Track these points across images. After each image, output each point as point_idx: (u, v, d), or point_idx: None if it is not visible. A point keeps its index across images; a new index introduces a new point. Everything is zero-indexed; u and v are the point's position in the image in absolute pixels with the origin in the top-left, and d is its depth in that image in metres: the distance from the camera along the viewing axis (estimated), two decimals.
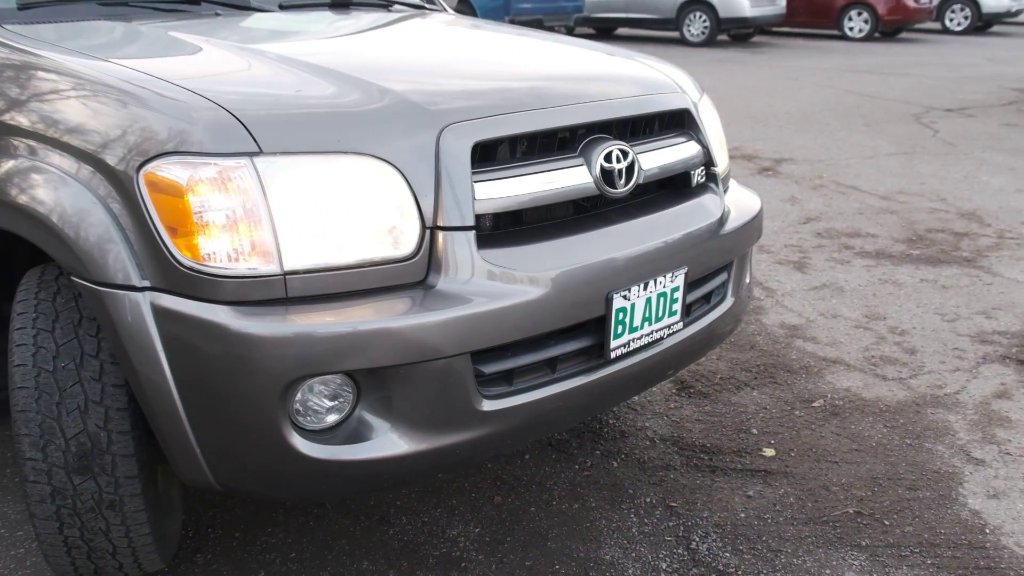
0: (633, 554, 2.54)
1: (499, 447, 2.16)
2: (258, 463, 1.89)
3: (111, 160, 1.90)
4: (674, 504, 2.77)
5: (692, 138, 2.54)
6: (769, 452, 3.05)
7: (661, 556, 2.53)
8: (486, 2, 15.64)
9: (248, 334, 1.78)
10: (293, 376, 1.80)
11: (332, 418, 1.90)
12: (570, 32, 18.21)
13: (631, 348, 2.23)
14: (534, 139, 2.14)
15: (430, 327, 1.87)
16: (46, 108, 2.12)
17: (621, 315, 2.18)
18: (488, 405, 1.99)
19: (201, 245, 1.80)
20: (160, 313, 1.84)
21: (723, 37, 17.91)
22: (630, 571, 2.47)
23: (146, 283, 1.86)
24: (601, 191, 2.19)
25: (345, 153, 1.88)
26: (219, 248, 1.80)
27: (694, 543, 2.59)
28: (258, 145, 1.82)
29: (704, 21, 16.80)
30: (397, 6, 3.38)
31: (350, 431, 1.91)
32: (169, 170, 1.82)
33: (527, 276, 1.99)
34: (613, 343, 2.18)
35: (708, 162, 2.58)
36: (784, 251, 5.08)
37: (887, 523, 2.66)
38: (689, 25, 16.99)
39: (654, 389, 3.50)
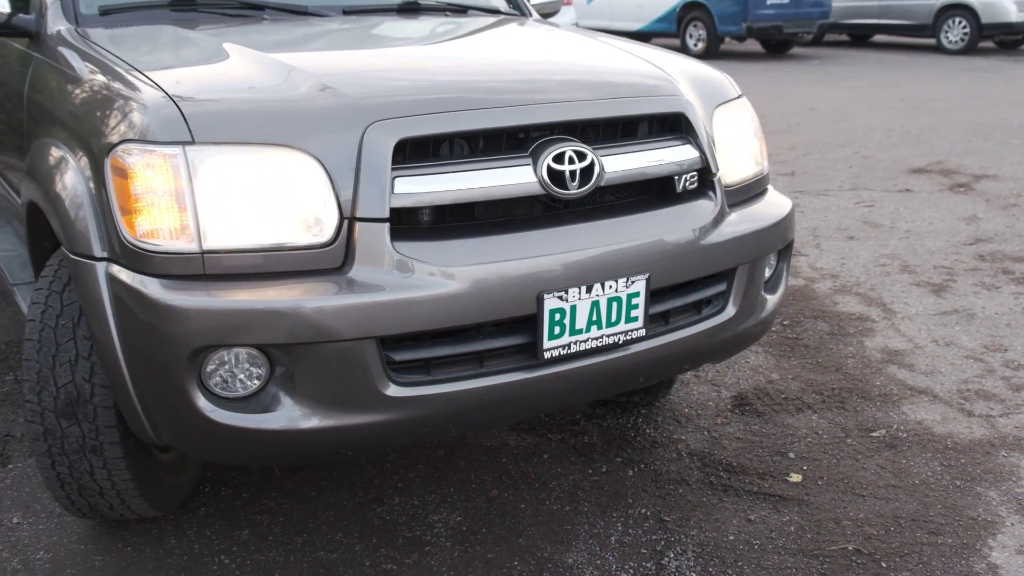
0: (598, 560, 2.51)
1: (414, 433, 2.22)
2: (175, 423, 2.08)
3: (95, 147, 2.16)
4: (667, 519, 2.70)
5: (688, 142, 2.47)
6: (795, 478, 2.88)
7: (626, 567, 2.48)
8: (723, 8, 15.31)
9: (163, 304, 1.97)
10: (197, 344, 1.96)
11: (247, 389, 2.05)
12: (816, 41, 17.42)
13: (573, 351, 2.22)
14: (477, 137, 2.18)
15: (328, 310, 1.98)
16: (68, 101, 2.44)
17: (558, 316, 2.17)
18: (395, 391, 2.06)
19: (138, 223, 2.01)
20: (111, 281, 2.07)
21: (987, 44, 16.45)
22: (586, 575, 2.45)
23: (104, 254, 2.10)
24: (548, 192, 2.19)
25: (270, 145, 2.03)
26: (151, 226, 2.00)
27: (667, 559, 2.52)
28: (192, 136, 2.01)
29: (964, 27, 15.51)
30: (472, 11, 3.47)
31: (262, 403, 2.05)
32: (124, 156, 2.04)
33: (440, 270, 2.04)
34: (548, 343, 2.17)
35: (705, 168, 2.49)
36: (930, 272, 4.68)
37: (884, 565, 2.45)
38: (947, 32, 15.75)
39: (708, 403, 3.39)
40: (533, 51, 2.90)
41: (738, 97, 2.77)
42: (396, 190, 2.05)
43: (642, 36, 18.23)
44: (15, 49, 3.05)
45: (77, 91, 2.43)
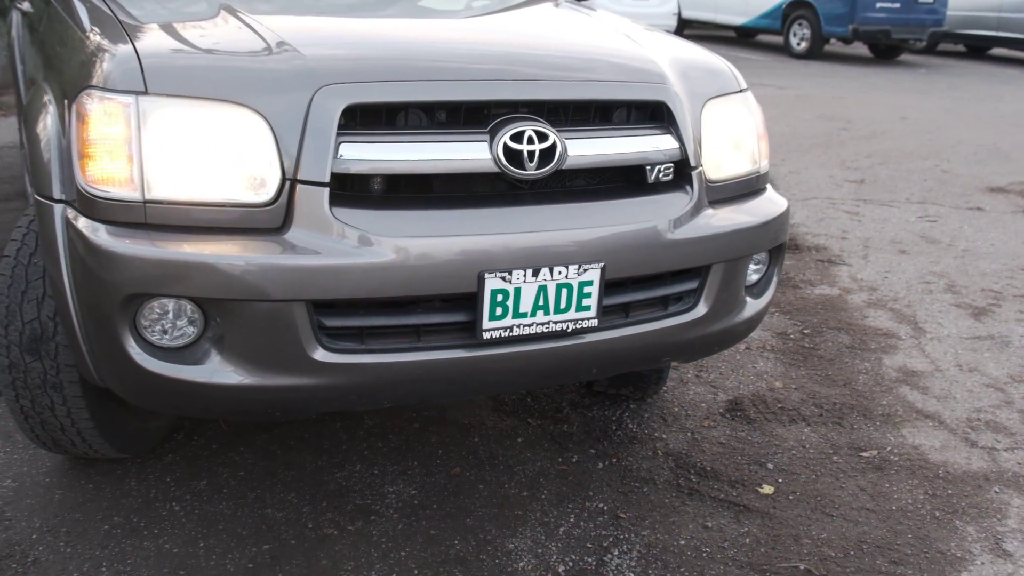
0: (539, 549, 2.47)
1: (343, 401, 2.21)
2: (111, 367, 2.12)
3: (67, 92, 2.21)
4: (623, 516, 2.64)
5: (668, 132, 2.39)
6: (767, 489, 2.78)
7: (567, 559, 2.44)
8: (830, 8, 14.82)
9: (103, 249, 2.00)
10: (129, 291, 1.99)
11: (181, 340, 2.08)
12: (929, 49, 16.71)
13: (516, 334, 2.17)
14: (434, 110, 2.16)
15: (257, 269, 1.98)
16: (59, 47, 2.50)
17: (500, 297, 2.13)
18: (323, 356, 2.05)
19: (89, 169, 2.04)
20: (65, 224, 2.12)
21: None
22: (522, 564, 2.41)
23: (62, 197, 2.15)
24: (502, 170, 2.14)
25: (220, 101, 2.04)
26: (101, 172, 2.03)
27: (609, 556, 2.46)
28: (146, 87, 2.03)
29: None
30: None
31: (194, 356, 2.07)
32: (85, 102, 2.07)
33: (376, 239, 2.02)
34: (488, 323, 2.14)
35: (683, 160, 2.40)
36: (975, 295, 4.46)
37: None
38: None
39: (701, 404, 3.30)
40: (525, 30, 2.85)
41: (740, 91, 2.67)
42: (340, 155, 2.03)
43: (746, 31, 17.84)
44: (39, 3, 3.14)
45: (69, 38, 2.49)
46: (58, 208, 2.14)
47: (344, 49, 2.28)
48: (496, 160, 2.14)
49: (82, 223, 2.05)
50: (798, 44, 15.44)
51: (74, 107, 2.11)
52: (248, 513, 2.56)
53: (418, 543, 2.47)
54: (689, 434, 3.10)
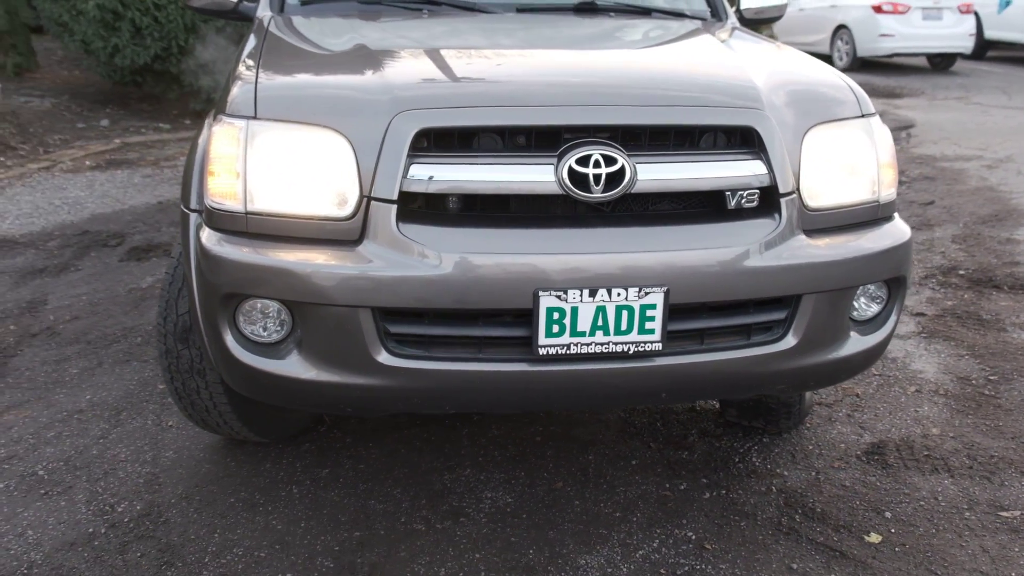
0: (609, 568, 2.50)
1: (407, 403, 2.36)
2: (216, 355, 2.41)
3: (213, 116, 2.57)
4: (708, 547, 2.59)
5: (758, 158, 2.34)
6: (873, 538, 2.62)
7: None
8: None
9: (210, 253, 2.30)
10: (225, 291, 2.28)
11: (271, 337, 2.33)
12: None
13: (574, 352, 2.23)
14: (507, 133, 2.26)
15: (329, 277, 2.19)
16: (225, 77, 2.88)
17: (556, 315, 2.20)
18: (387, 359, 2.23)
19: (210, 183, 2.36)
20: (196, 230, 2.46)
21: None
22: None
23: (196, 208, 2.49)
24: (567, 192, 2.22)
25: (311, 124, 2.27)
26: (217, 187, 2.34)
27: None
28: (256, 112, 2.32)
29: None
30: (656, 15, 3.46)
31: (279, 352, 2.32)
32: (215, 126, 2.41)
33: (435, 253, 2.17)
34: (544, 340, 2.21)
35: (772, 186, 2.34)
36: None
37: None
38: None
39: (839, 444, 3.14)
40: (638, 54, 2.87)
41: (860, 117, 2.54)
42: (409, 175, 2.20)
43: None
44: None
45: (231, 68, 2.85)
46: (192, 217, 2.49)
47: (428, 77, 2.45)
48: (560, 182, 2.21)
49: (204, 230, 2.37)
50: None
51: (210, 129, 2.45)
52: (353, 502, 2.78)
53: (495, 548, 2.58)
54: (813, 473, 2.96)
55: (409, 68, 2.52)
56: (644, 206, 2.36)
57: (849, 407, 3.42)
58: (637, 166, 2.25)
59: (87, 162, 7.63)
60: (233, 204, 2.30)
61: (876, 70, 15.19)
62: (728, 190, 2.33)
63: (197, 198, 2.49)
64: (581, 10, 3.40)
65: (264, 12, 3.29)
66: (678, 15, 3.50)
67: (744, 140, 2.37)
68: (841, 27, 15.71)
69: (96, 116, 9.15)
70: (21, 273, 4.96)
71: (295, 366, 2.30)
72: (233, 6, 3.41)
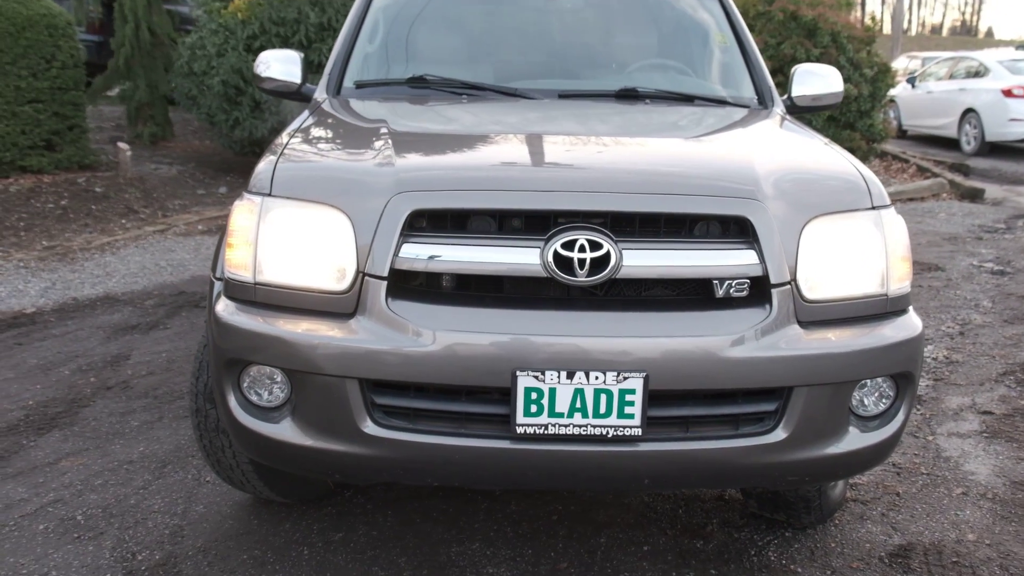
0: None
1: (391, 473, 2.42)
2: (223, 415, 2.54)
3: None
4: None
5: (751, 247, 2.35)
6: None
7: None
8: None
9: (220, 319, 2.46)
10: (229, 356, 2.42)
11: (271, 402, 2.45)
12: None
13: (552, 433, 2.26)
14: (498, 216, 2.34)
15: (318, 347, 2.30)
16: None
17: (534, 395, 2.24)
18: (372, 429, 2.31)
19: (228, 254, 2.53)
20: (215, 297, 2.62)
21: None
22: None
23: (220, 276, 2.66)
24: (552, 276, 2.27)
25: (316, 202, 2.42)
26: (232, 257, 2.50)
27: None
28: (271, 190, 2.48)
29: None
30: (699, 102, 3.49)
31: (275, 416, 2.44)
32: (237, 201, 2.58)
33: (418, 330, 2.26)
34: (522, 419, 2.25)
35: (764, 276, 2.34)
36: None
37: None
38: None
39: (864, 544, 3.02)
40: (650, 142, 2.93)
41: (870, 208, 2.51)
42: (401, 253, 2.30)
43: None
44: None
45: (273, 145, 3.04)
46: (217, 285, 2.65)
47: (431, 160, 2.57)
48: (545, 265, 2.27)
49: (221, 299, 2.53)
50: None
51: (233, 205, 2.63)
52: (358, 567, 2.85)
53: None
54: (828, 573, 2.86)
55: (418, 151, 2.65)
56: (638, 291, 2.39)
57: (886, 505, 3.29)
58: (624, 252, 2.29)
59: (199, 226, 8.10)
60: (245, 275, 2.45)
61: (1004, 155, 14.64)
62: (717, 279, 2.34)
63: (221, 268, 2.66)
64: (623, 97, 3.46)
65: (321, 94, 3.50)
66: (721, 102, 3.52)
67: (738, 230, 2.38)
68: (969, 111, 15.26)
69: (216, 183, 9.71)
70: (115, 329, 5.31)
71: (288, 431, 2.41)
72: (297, 88, 3.64)
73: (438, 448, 2.32)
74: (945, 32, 70.37)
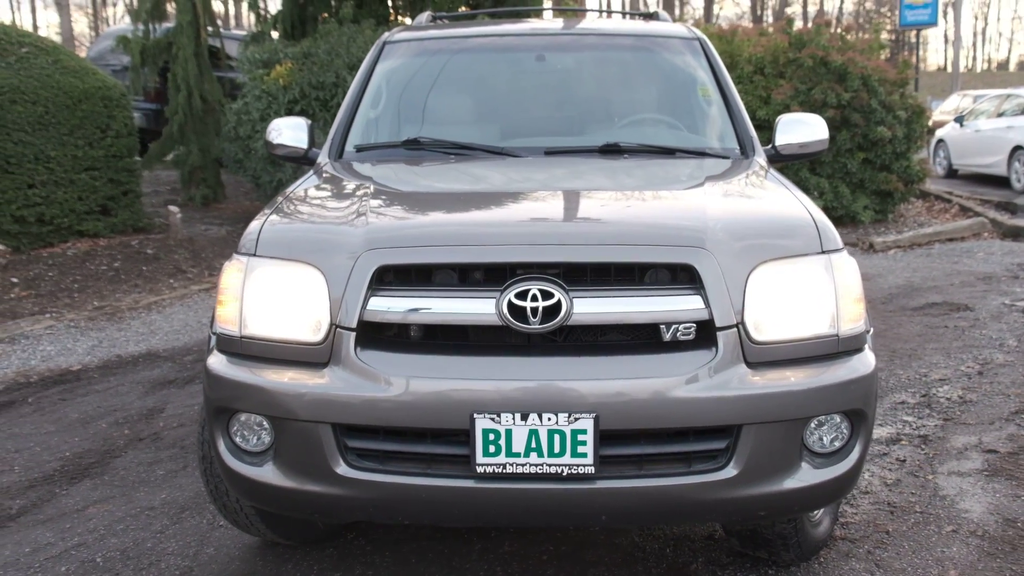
0: None
1: (365, 512, 2.58)
2: (216, 459, 2.73)
3: None
4: None
5: (697, 293, 2.48)
6: None
7: None
8: None
9: (210, 371, 2.67)
10: (217, 404, 2.63)
11: (256, 446, 2.64)
12: None
13: (510, 472, 2.41)
14: (457, 270, 2.52)
15: (291, 395, 2.50)
16: None
17: (492, 436, 2.39)
18: (344, 471, 2.48)
19: (219, 310, 2.74)
20: (209, 352, 2.83)
21: None
22: None
23: (213, 332, 2.87)
24: (506, 324, 2.43)
25: (294, 261, 2.62)
26: (222, 313, 2.72)
27: None
28: (256, 250, 2.69)
29: None
30: (680, 155, 3.63)
31: (260, 460, 2.62)
32: (228, 261, 2.80)
33: (384, 376, 2.43)
34: (482, 459, 2.41)
35: (709, 320, 2.47)
36: None
37: None
38: None
39: None
40: (610, 196, 3.09)
41: (820, 253, 2.63)
42: (369, 306, 2.49)
43: None
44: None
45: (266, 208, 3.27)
46: (213, 339, 2.87)
47: (400, 218, 2.77)
48: (500, 314, 2.43)
49: (213, 353, 2.74)
50: None
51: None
52: None
53: None
54: None
55: (390, 210, 2.85)
56: (592, 336, 2.53)
57: (873, 543, 3.34)
58: (575, 300, 2.44)
59: None
60: (232, 329, 2.66)
61: None
62: (664, 323, 2.48)
63: (212, 324, 2.87)
64: (606, 152, 3.62)
65: (323, 158, 3.74)
66: (701, 154, 3.66)
67: (686, 276, 2.52)
68: (1018, 148, 15.05)
69: None
70: (153, 384, 5.59)
71: (270, 473, 2.59)
72: (303, 153, 3.88)
73: (406, 488, 2.48)
74: (1012, 67, 69.28)
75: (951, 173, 16.87)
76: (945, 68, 53.87)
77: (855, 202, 10.35)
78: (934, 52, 69.44)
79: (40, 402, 5.28)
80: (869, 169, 10.37)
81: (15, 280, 7.95)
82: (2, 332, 6.70)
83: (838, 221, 10.46)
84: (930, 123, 15.77)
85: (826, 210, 10.20)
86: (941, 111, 22.69)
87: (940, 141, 17.33)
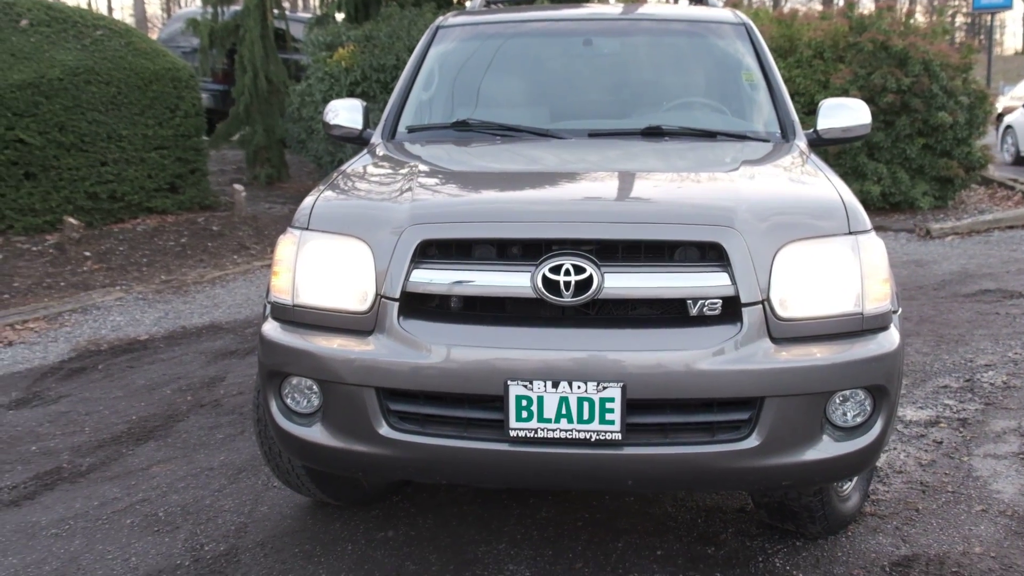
0: None
1: (404, 471, 2.75)
2: (267, 421, 2.92)
3: None
4: None
5: (724, 270, 2.59)
6: None
7: None
8: None
9: (264, 337, 2.85)
10: (269, 368, 2.81)
11: (306, 408, 2.82)
12: None
13: (542, 436, 2.55)
14: (496, 244, 2.66)
15: (340, 360, 2.67)
16: None
17: (524, 402, 2.54)
18: (387, 432, 2.65)
19: (273, 281, 2.93)
20: (264, 320, 3.02)
21: None
22: None
23: (268, 300, 3.06)
24: (540, 297, 2.57)
25: (345, 235, 2.79)
26: (276, 284, 2.90)
27: None
28: (309, 224, 2.87)
29: None
30: (721, 138, 3.72)
31: (308, 420, 2.80)
32: (283, 234, 2.98)
33: (425, 344, 2.59)
34: (515, 423, 2.55)
35: (735, 296, 2.57)
36: None
37: None
38: None
39: (870, 554, 3.17)
40: (648, 177, 3.18)
41: (847, 234, 2.71)
42: (412, 278, 2.65)
43: None
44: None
45: (320, 184, 3.44)
46: (267, 307, 3.05)
47: (445, 195, 2.92)
48: (535, 288, 2.57)
49: (267, 320, 2.92)
50: None
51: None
52: (392, 562, 3.18)
53: None
54: None
55: (435, 187, 3.01)
56: (623, 310, 2.66)
57: (902, 519, 3.42)
58: (606, 275, 2.57)
59: None
60: (286, 298, 2.84)
61: None
62: (691, 299, 2.59)
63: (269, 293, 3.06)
64: (648, 134, 3.72)
65: (376, 138, 3.90)
66: (742, 137, 3.74)
67: (714, 254, 2.63)
68: None
69: None
70: (216, 354, 5.84)
71: (318, 433, 2.77)
72: (358, 133, 4.05)
73: (444, 449, 2.64)
74: None
75: (1019, 160, 16.49)
76: (1023, 52, 52.35)
77: (914, 188, 10.23)
78: (1012, 36, 67.30)
79: (109, 369, 5.57)
80: (929, 155, 10.23)
81: (88, 254, 8.31)
82: (75, 303, 7.04)
83: (896, 207, 10.37)
84: (999, 109, 15.42)
85: (883, 196, 10.14)
86: (1012, 96, 22.09)
87: (1008, 127, 16.91)
